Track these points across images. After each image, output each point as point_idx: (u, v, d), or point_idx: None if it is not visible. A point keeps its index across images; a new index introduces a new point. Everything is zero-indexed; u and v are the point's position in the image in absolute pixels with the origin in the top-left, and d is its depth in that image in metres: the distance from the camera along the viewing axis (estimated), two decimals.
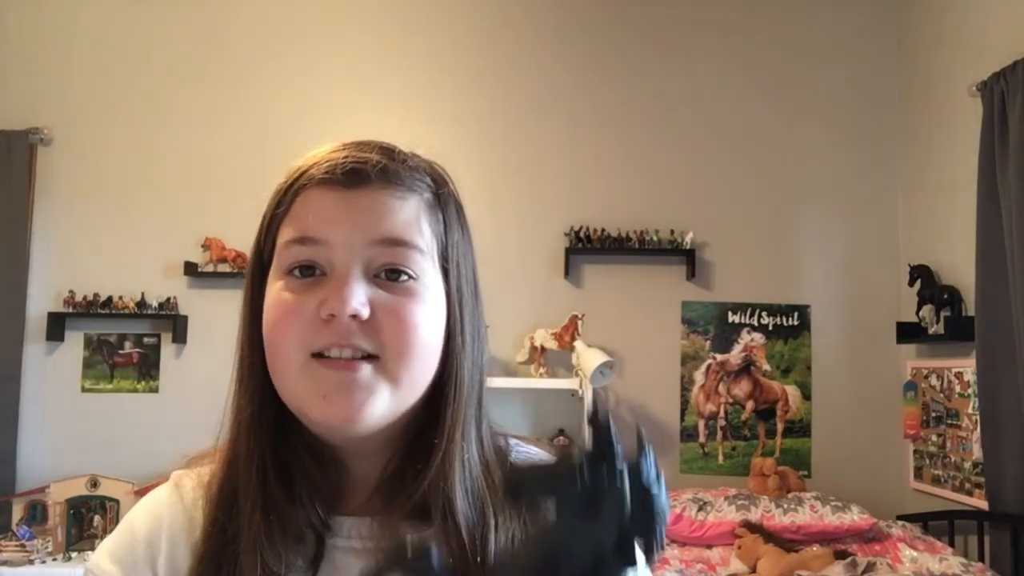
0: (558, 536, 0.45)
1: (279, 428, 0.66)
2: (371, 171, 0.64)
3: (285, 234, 0.65)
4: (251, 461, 0.65)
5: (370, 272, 0.64)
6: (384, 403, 0.63)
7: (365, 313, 0.61)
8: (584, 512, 0.44)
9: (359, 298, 0.61)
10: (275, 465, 0.65)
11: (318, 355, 0.62)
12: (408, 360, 0.63)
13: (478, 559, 0.61)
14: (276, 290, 0.65)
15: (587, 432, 0.46)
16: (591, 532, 0.44)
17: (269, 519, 0.63)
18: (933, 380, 3.24)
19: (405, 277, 0.64)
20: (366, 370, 0.62)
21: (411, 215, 0.65)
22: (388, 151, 0.67)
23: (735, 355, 3.54)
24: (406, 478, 0.65)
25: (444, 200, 0.69)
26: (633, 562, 0.46)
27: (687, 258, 3.49)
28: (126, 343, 3.51)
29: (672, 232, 3.50)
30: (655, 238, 3.48)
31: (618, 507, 0.44)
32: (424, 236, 0.66)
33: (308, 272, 0.64)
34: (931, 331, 3.17)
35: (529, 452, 0.74)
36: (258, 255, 0.69)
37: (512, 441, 0.74)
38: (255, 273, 0.69)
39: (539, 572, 0.45)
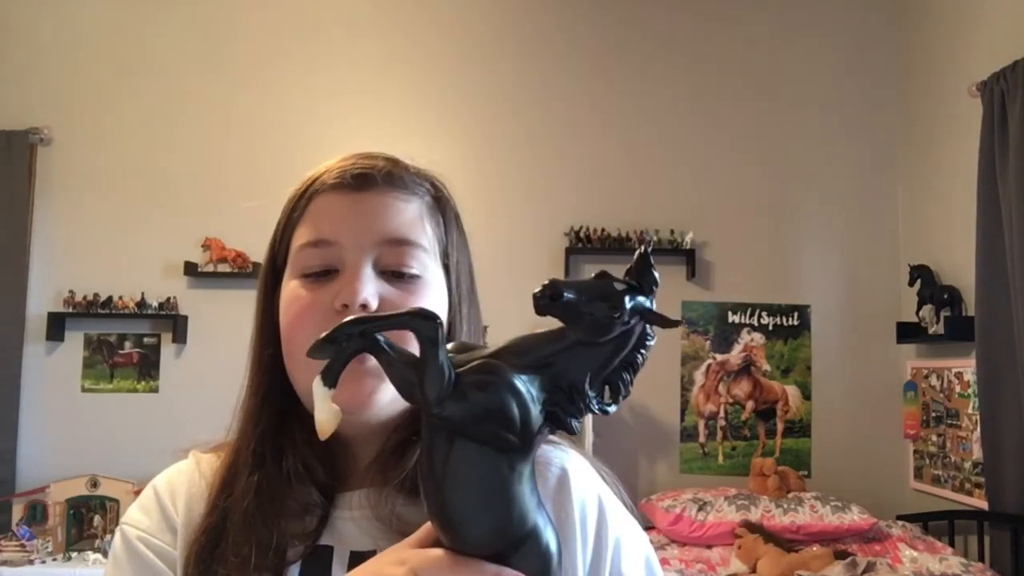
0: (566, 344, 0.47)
1: (281, 418, 0.71)
2: (377, 175, 0.70)
3: (300, 237, 0.71)
4: (248, 447, 0.70)
5: (378, 268, 0.68)
6: (391, 391, 0.65)
7: (375, 304, 0.66)
8: (597, 338, 0.46)
9: (369, 290, 0.66)
10: (272, 450, 0.69)
11: None
12: None
13: None
14: (292, 287, 0.70)
15: (634, 263, 0.47)
16: (592, 354, 0.47)
17: (262, 498, 0.67)
18: (933, 380, 3.24)
19: (410, 275, 0.69)
20: (373, 360, 0.64)
21: (415, 215, 0.71)
22: (392, 160, 0.74)
23: (735, 355, 3.54)
24: (402, 455, 0.69)
25: (443, 204, 0.75)
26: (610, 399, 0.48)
27: (687, 258, 3.49)
28: (126, 343, 3.51)
29: (672, 232, 3.50)
30: (655, 238, 3.48)
31: (624, 343, 0.47)
32: (427, 235, 0.71)
33: (322, 274, 0.69)
34: (931, 331, 3.17)
35: None
36: (272, 258, 0.74)
37: None
38: (268, 274, 0.74)
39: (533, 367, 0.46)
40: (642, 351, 0.48)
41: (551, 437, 0.74)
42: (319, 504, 0.68)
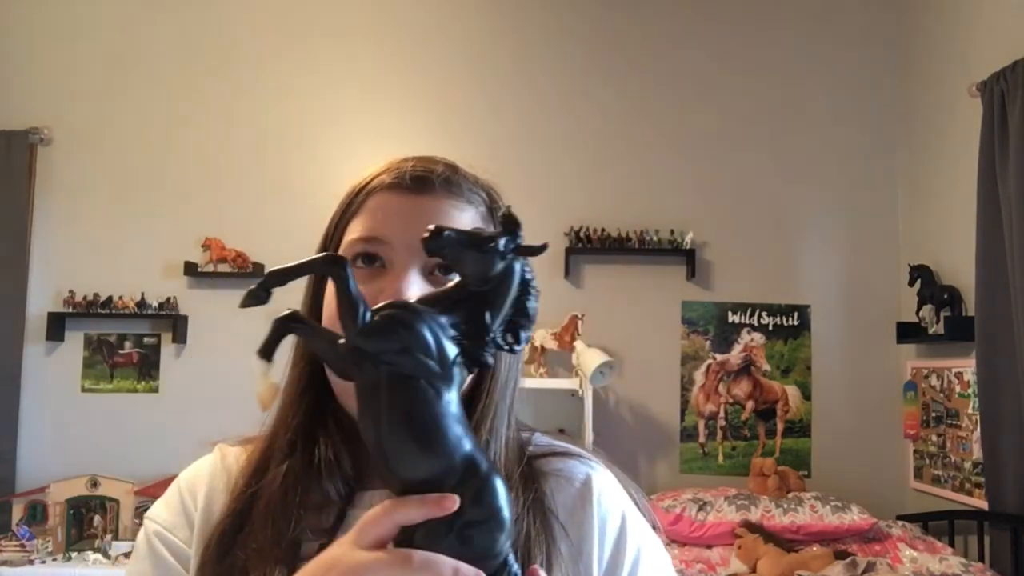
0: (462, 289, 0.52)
1: (318, 412, 0.72)
2: (436, 180, 0.71)
3: (352, 232, 0.71)
4: (284, 435, 0.71)
5: (426, 271, 0.69)
6: None
7: None
8: (483, 277, 0.51)
9: (414, 291, 0.66)
10: (304, 442, 0.70)
11: None
12: None
13: None
14: None
15: (500, 219, 0.53)
16: (486, 297, 0.51)
17: (287, 488, 0.68)
18: (933, 380, 3.24)
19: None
20: None
21: (468, 224, 0.72)
22: (451, 165, 0.75)
23: (735, 355, 3.54)
24: None
25: (496, 215, 0.76)
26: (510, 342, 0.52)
27: (687, 258, 3.49)
28: (126, 343, 3.51)
29: (672, 232, 3.50)
30: (655, 238, 3.48)
31: (507, 285, 0.52)
32: None
33: (370, 261, 0.69)
34: (931, 331, 3.17)
35: (550, 442, 0.77)
36: (323, 251, 0.74)
37: (537, 436, 0.78)
38: None
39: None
40: (530, 297, 0.53)
41: (580, 451, 0.76)
42: (339, 500, 0.69)
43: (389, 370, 0.48)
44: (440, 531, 0.48)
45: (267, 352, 0.50)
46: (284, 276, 0.49)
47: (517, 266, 0.52)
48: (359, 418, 0.50)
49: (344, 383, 0.68)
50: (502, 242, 0.50)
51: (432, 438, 0.48)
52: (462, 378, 0.50)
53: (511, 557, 0.50)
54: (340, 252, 0.72)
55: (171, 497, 0.76)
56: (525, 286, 0.53)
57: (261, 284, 0.49)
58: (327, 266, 0.50)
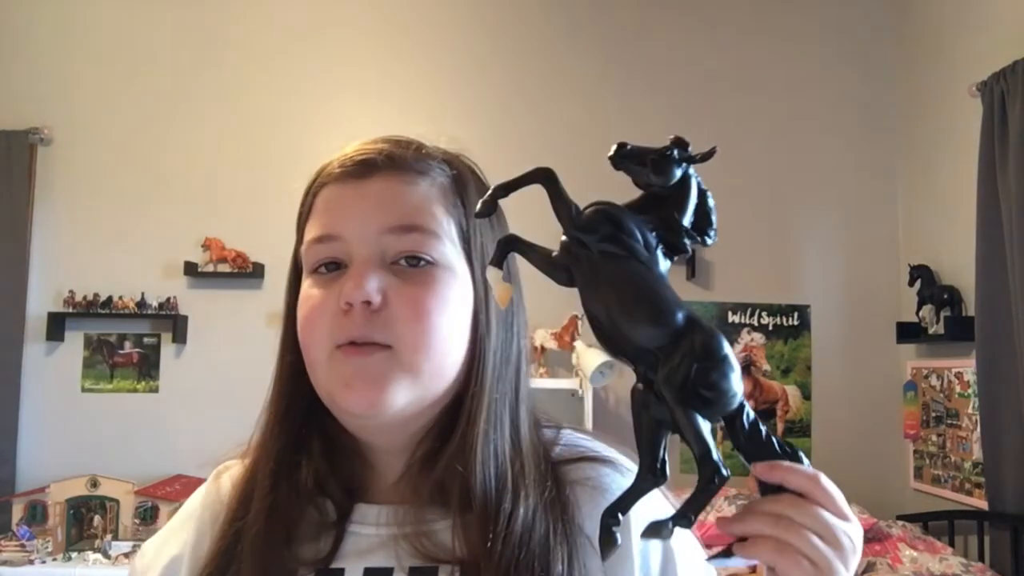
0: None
1: (303, 426, 0.68)
2: (378, 160, 0.67)
3: (308, 233, 0.67)
4: (267, 464, 0.67)
5: (387, 260, 0.65)
6: (405, 391, 0.63)
7: (377, 300, 0.62)
8: (665, 184, 0.56)
9: (371, 285, 0.62)
10: (289, 467, 0.67)
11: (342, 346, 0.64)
12: (424, 350, 0.63)
13: (492, 544, 0.61)
14: (305, 287, 0.67)
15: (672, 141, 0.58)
16: (669, 199, 0.57)
17: (273, 523, 0.64)
18: (933, 380, 3.24)
19: (423, 263, 0.64)
20: (378, 357, 0.62)
21: (421, 199, 0.66)
22: (396, 141, 0.71)
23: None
24: (432, 466, 0.66)
25: (462, 183, 0.70)
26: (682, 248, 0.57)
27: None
28: (126, 343, 3.51)
29: None
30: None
31: (687, 189, 0.57)
32: (438, 219, 0.66)
33: (333, 268, 0.65)
34: (931, 331, 3.17)
35: (579, 443, 0.73)
36: (294, 258, 0.71)
37: (564, 432, 0.74)
38: (292, 274, 0.71)
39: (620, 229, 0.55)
40: (708, 201, 0.59)
41: (614, 457, 0.70)
42: (333, 524, 0.66)
43: (605, 251, 0.54)
44: (679, 375, 0.52)
45: (498, 263, 0.57)
46: (507, 189, 0.57)
47: (692, 175, 0.58)
48: (584, 307, 0.54)
49: (329, 385, 0.64)
50: (675, 151, 0.57)
51: (655, 303, 0.54)
52: (666, 263, 0.56)
53: (746, 403, 0.56)
54: (302, 254, 0.68)
55: (169, 529, 0.75)
56: (703, 194, 0.59)
57: (490, 195, 0.56)
58: (541, 176, 0.56)
